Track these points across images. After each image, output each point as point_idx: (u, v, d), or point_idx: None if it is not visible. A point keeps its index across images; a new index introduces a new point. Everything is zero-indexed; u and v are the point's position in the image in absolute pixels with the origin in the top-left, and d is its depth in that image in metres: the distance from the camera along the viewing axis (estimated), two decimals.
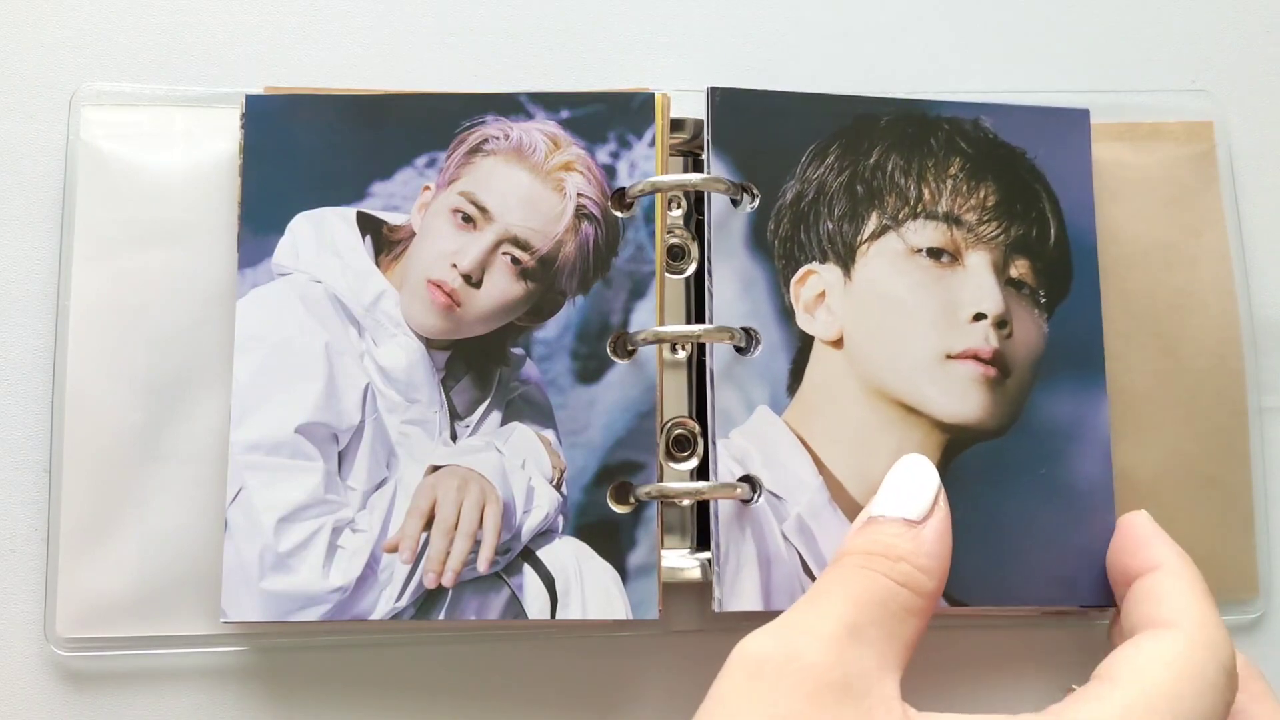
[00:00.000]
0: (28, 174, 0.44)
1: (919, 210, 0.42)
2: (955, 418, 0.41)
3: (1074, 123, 0.43)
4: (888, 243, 0.41)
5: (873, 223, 0.41)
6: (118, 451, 0.41)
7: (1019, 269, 0.42)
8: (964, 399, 0.41)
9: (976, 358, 0.41)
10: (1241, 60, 0.47)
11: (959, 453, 0.41)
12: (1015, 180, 0.42)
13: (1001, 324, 0.41)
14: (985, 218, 0.42)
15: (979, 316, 0.41)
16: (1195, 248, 0.44)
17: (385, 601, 0.39)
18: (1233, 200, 0.45)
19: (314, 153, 0.42)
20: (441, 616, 0.39)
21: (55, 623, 0.40)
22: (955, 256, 0.41)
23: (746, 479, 0.40)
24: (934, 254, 0.41)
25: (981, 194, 0.42)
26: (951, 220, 0.41)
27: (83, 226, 0.42)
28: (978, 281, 0.41)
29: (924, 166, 0.42)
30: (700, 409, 0.42)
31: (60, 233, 0.42)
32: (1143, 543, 0.39)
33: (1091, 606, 0.40)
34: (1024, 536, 0.40)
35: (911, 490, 0.37)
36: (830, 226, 0.41)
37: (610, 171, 0.42)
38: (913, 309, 0.41)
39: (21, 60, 0.45)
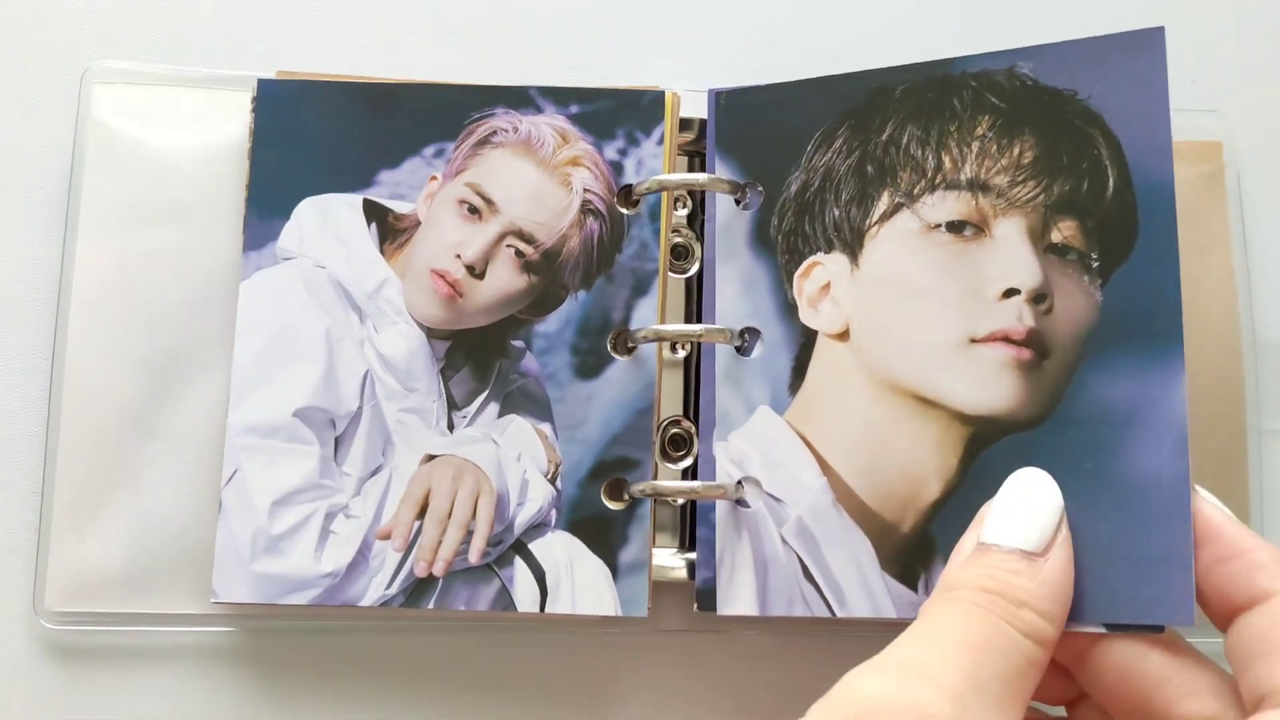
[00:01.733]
0: (37, 149, 0.44)
1: (937, 181, 0.38)
2: (979, 408, 0.37)
3: (1143, 47, 0.36)
4: (900, 222, 0.38)
5: (884, 203, 0.38)
6: (114, 428, 0.41)
7: (1064, 232, 0.36)
8: (990, 387, 0.36)
9: (1007, 339, 0.36)
10: (1253, 81, 0.47)
11: (985, 447, 0.36)
12: (1060, 128, 0.37)
13: (1039, 298, 0.36)
14: (1020, 178, 0.37)
15: (1010, 292, 0.36)
16: (1200, 267, 0.44)
17: (376, 588, 0.39)
18: (1240, 221, 0.45)
19: (323, 139, 0.42)
20: (431, 605, 0.39)
21: (45, 596, 0.40)
22: (981, 228, 0.37)
23: (745, 482, 0.39)
24: (955, 228, 0.37)
25: (1016, 151, 0.37)
26: (977, 187, 0.37)
27: (89, 203, 0.42)
28: (1008, 252, 0.37)
29: (944, 132, 0.38)
30: (696, 409, 0.41)
31: (66, 209, 0.43)
32: (1232, 554, 0.32)
33: (1165, 626, 0.34)
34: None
35: (1031, 515, 0.32)
36: (836, 213, 0.39)
37: (617, 168, 0.42)
38: (928, 291, 0.37)
39: (35, 37, 0.45)
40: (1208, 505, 0.33)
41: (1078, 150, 0.37)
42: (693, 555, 0.41)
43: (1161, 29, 0.36)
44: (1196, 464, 0.42)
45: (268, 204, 0.42)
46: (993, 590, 0.31)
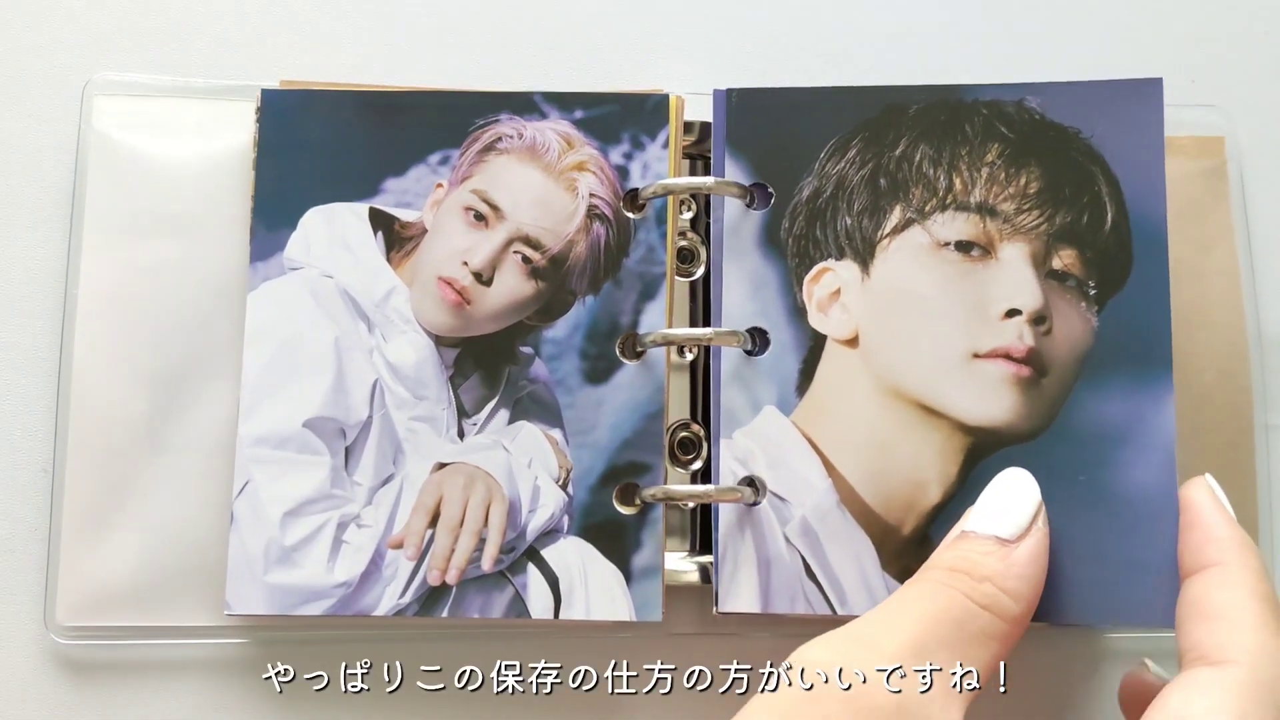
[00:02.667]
0: (39, 162, 0.44)
1: (948, 201, 0.39)
2: (980, 420, 0.38)
3: (1143, 95, 0.39)
4: (911, 237, 0.40)
5: (896, 216, 0.40)
6: (123, 442, 0.41)
7: (1064, 260, 0.39)
8: (991, 400, 0.38)
9: (1008, 357, 0.38)
10: (1254, 76, 0.47)
11: (984, 457, 0.38)
12: (1064, 163, 0.39)
13: (1039, 320, 0.39)
14: (1025, 206, 0.39)
15: (1013, 313, 0.39)
16: (1204, 263, 0.44)
17: (389, 598, 0.39)
18: (1243, 216, 0.45)
19: (328, 148, 0.42)
20: (445, 614, 0.39)
21: (56, 610, 0.40)
22: (987, 250, 0.39)
23: (749, 481, 0.40)
24: (963, 247, 0.39)
25: (1022, 181, 0.39)
26: (985, 211, 0.39)
27: (93, 216, 0.42)
28: (1012, 275, 0.39)
29: (956, 155, 0.40)
30: (706, 412, 0.41)
31: (70, 222, 0.42)
32: (1195, 525, 0.34)
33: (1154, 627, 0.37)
34: (1058, 549, 0.37)
35: (1007, 506, 0.34)
36: (849, 222, 0.40)
37: (623, 172, 0.42)
38: (936, 305, 0.39)
39: (36, 48, 0.45)
40: (1194, 486, 0.36)
41: (1079, 185, 0.39)
42: (703, 559, 0.41)
43: (1159, 80, 0.39)
44: (1204, 459, 0.43)
45: (273, 214, 0.41)
46: (959, 569, 0.33)
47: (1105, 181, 0.39)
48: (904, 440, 0.39)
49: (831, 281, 0.40)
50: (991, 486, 0.36)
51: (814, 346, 0.40)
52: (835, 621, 0.40)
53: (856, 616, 0.38)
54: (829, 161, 0.41)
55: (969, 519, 0.35)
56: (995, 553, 0.33)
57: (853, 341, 0.40)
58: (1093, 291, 0.39)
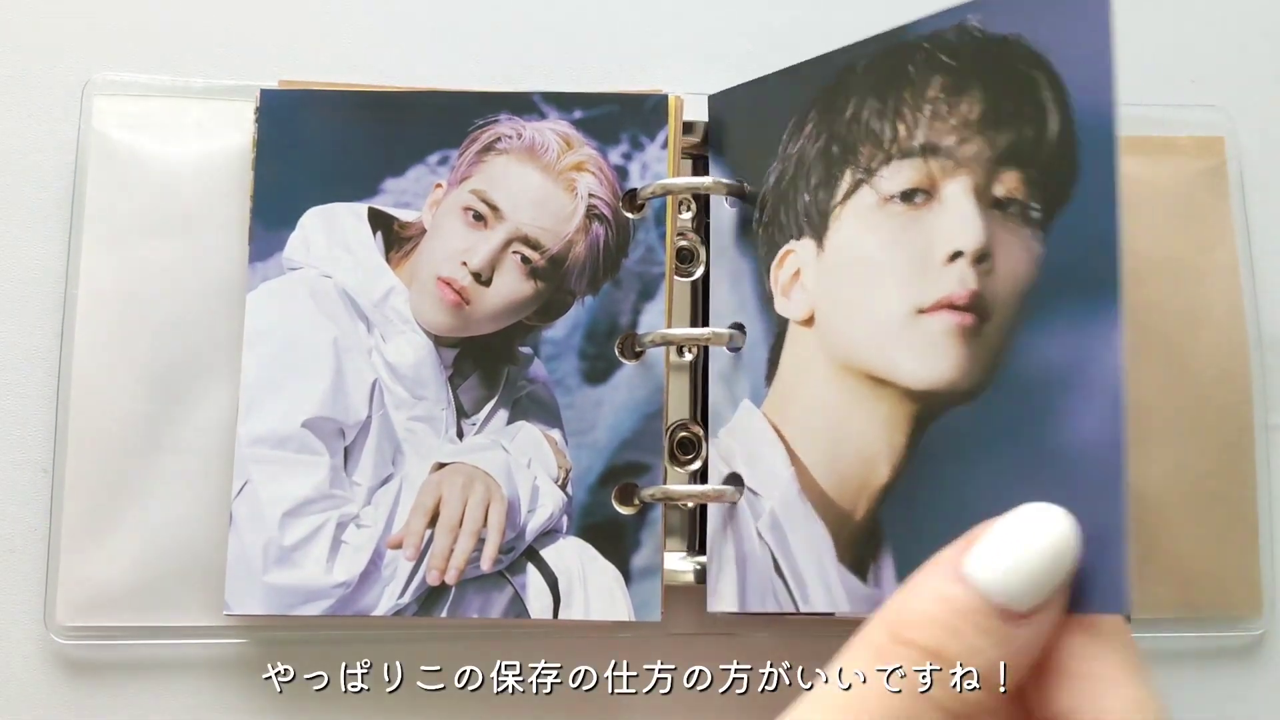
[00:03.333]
0: (39, 162, 0.44)
1: (893, 151, 0.36)
2: (923, 383, 0.34)
3: None
4: (860, 199, 0.37)
5: (846, 181, 0.37)
6: (122, 441, 0.41)
7: (1006, 184, 0.34)
8: (934, 359, 0.34)
9: (951, 306, 0.34)
10: (1254, 76, 0.47)
11: (929, 424, 0.34)
12: (1006, 77, 0.35)
13: (982, 258, 0.34)
14: (966, 136, 0.35)
15: (955, 255, 0.34)
16: (1205, 263, 0.44)
17: (388, 598, 0.39)
18: (1243, 216, 0.45)
19: (327, 148, 0.42)
20: (444, 614, 0.39)
21: (55, 610, 0.40)
22: (930, 193, 0.35)
23: (733, 479, 0.39)
24: (907, 197, 0.36)
25: (963, 108, 0.35)
26: (928, 151, 0.35)
27: (93, 216, 0.42)
28: (954, 214, 0.35)
29: (900, 100, 0.36)
30: (705, 412, 0.41)
31: (70, 221, 0.42)
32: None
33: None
34: None
35: (1029, 565, 0.27)
36: (807, 199, 0.38)
37: (622, 172, 0.42)
38: (882, 266, 0.36)
39: (36, 48, 0.45)
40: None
41: (1020, 95, 0.34)
42: (701, 558, 0.41)
43: None
44: (1204, 459, 0.43)
45: (273, 214, 0.41)
46: (943, 655, 0.26)
47: (1049, 85, 0.34)
48: (855, 417, 0.36)
49: (793, 263, 0.39)
50: (1013, 521, 0.28)
51: (780, 333, 0.39)
52: (802, 619, 0.38)
53: (820, 614, 0.36)
54: (790, 142, 0.39)
55: (970, 557, 0.27)
56: (996, 632, 0.26)
57: (809, 321, 0.38)
58: (1036, 214, 0.33)
